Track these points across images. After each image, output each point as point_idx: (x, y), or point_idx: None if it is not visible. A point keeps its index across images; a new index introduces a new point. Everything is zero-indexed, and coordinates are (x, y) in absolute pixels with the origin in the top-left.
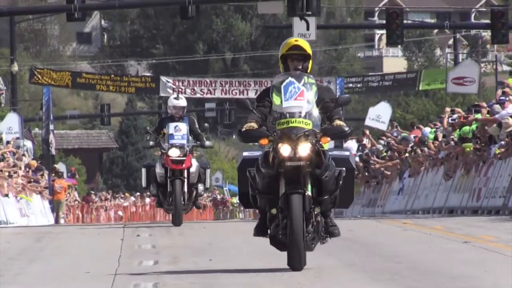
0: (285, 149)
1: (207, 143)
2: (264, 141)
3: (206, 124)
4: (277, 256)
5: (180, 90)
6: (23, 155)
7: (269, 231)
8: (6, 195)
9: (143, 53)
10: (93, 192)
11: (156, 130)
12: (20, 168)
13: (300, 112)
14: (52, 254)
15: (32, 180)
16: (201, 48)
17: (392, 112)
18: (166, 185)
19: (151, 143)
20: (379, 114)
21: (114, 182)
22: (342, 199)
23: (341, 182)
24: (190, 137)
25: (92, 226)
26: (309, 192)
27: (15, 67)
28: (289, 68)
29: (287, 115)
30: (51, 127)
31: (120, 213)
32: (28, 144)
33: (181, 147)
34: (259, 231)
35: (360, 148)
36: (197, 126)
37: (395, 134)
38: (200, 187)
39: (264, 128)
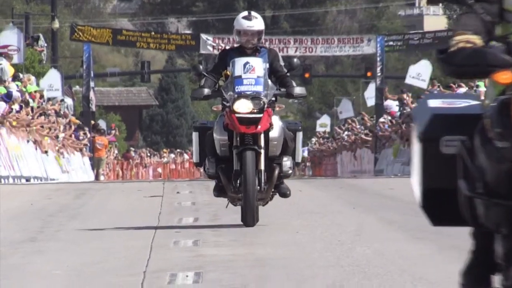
0: None
1: (297, 89)
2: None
3: (296, 60)
4: (316, 215)
5: (220, 47)
6: (63, 112)
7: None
8: (46, 152)
9: (183, 11)
10: (132, 149)
11: (215, 69)
12: (60, 126)
13: None
14: (92, 211)
15: (72, 135)
16: (241, 5)
17: (433, 71)
18: (231, 160)
19: (206, 91)
20: (420, 72)
21: (154, 139)
22: None
23: None
24: (269, 82)
25: (132, 182)
26: None
27: (56, 24)
28: None
29: None
30: (92, 84)
31: (159, 170)
32: (69, 101)
33: (255, 97)
34: (477, 279)
35: (400, 106)
36: (281, 62)
37: (435, 92)
38: (287, 162)
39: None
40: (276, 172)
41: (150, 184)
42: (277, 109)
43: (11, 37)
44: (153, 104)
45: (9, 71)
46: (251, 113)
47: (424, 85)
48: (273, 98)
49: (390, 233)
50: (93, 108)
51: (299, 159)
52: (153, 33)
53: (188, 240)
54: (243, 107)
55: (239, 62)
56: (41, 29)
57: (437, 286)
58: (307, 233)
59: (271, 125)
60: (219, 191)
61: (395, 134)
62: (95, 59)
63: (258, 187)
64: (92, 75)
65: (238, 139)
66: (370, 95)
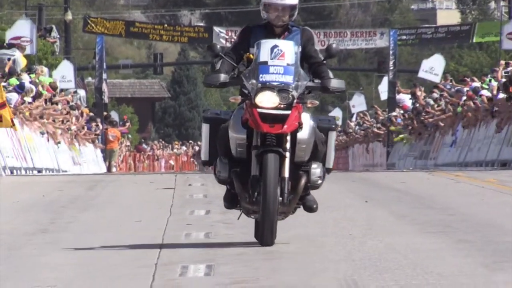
0: None
1: (334, 82)
2: None
3: (335, 45)
4: (327, 209)
5: (233, 40)
6: (75, 103)
7: None
8: (58, 143)
9: (196, 3)
10: (143, 141)
11: (234, 50)
12: (72, 118)
13: None
14: (104, 203)
15: (85, 127)
16: None
17: (446, 65)
18: (249, 163)
19: (223, 76)
20: (433, 67)
21: (166, 132)
22: None
23: None
24: (301, 71)
25: (144, 175)
26: None
27: (69, 16)
28: None
29: None
30: (104, 76)
31: (171, 162)
32: (81, 92)
33: (282, 89)
34: None
35: (413, 100)
36: (317, 47)
37: (447, 86)
38: (316, 169)
39: None
40: (303, 181)
41: (162, 176)
42: (309, 105)
43: (23, 28)
44: (165, 97)
45: (22, 62)
46: (277, 108)
47: (437, 79)
48: (305, 91)
49: (402, 227)
50: (106, 100)
51: (330, 164)
52: (166, 25)
53: (200, 233)
54: (267, 100)
55: (266, 44)
56: (54, 20)
57: (448, 280)
58: (318, 227)
59: (300, 124)
60: (231, 202)
61: (406, 129)
62: (108, 51)
63: (280, 198)
64: (104, 67)
65: (258, 138)
66: (384, 89)
